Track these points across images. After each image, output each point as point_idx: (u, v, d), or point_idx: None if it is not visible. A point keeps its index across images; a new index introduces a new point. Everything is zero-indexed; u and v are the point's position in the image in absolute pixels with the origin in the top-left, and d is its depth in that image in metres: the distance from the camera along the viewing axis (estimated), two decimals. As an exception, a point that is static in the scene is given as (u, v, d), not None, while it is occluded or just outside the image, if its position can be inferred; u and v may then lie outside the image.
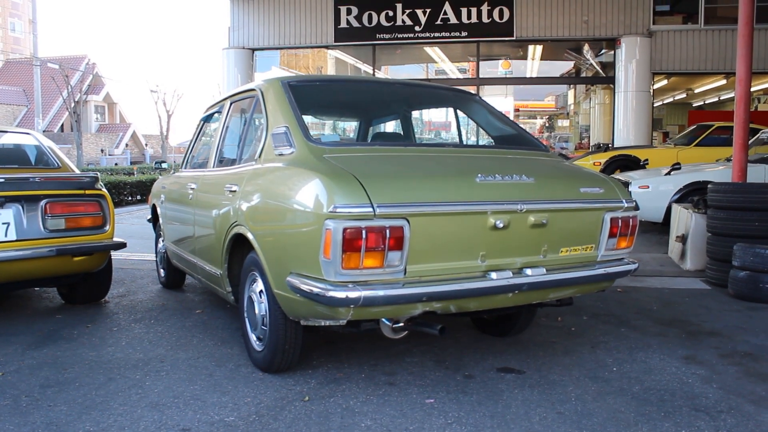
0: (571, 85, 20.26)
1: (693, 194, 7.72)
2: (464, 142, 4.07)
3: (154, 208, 5.76)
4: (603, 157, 11.63)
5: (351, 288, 2.62)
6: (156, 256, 5.87)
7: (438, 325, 2.91)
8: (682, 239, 6.52)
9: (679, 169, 8.13)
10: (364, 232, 2.58)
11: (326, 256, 2.61)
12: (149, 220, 6.06)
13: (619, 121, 13.57)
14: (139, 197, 16.28)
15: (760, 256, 4.90)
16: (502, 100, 24.55)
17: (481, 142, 4.31)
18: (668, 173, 8.13)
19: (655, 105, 15.34)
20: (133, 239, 8.54)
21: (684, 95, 19.53)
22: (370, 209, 2.60)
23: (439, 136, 17.54)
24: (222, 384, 3.22)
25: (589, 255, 3.23)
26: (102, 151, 34.34)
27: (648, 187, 8.14)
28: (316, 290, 2.67)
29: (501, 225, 2.86)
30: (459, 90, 4.39)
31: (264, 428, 2.69)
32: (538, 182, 3.06)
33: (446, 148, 3.42)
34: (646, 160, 10.56)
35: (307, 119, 4.46)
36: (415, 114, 5.23)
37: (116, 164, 30.58)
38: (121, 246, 4.50)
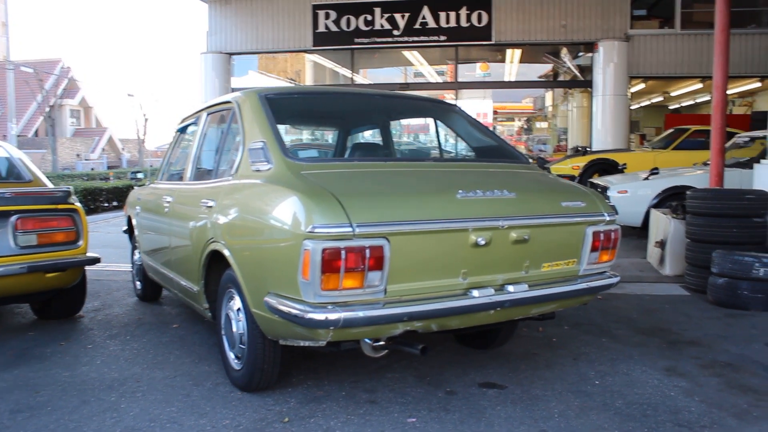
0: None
1: (671, 199, 7.77)
2: (444, 154, 4.03)
3: (129, 220, 5.66)
4: (582, 161, 11.69)
5: (330, 310, 2.57)
6: (132, 268, 5.76)
7: (419, 345, 2.86)
8: (661, 245, 6.54)
9: (658, 173, 8.19)
10: (343, 252, 2.52)
11: (305, 277, 2.56)
12: (125, 231, 5.95)
13: (597, 124, 13.65)
14: (115, 203, 16.05)
15: (739, 263, 4.92)
16: (480, 103, 24.57)
17: (460, 151, 4.26)
18: (647, 178, 8.18)
19: (632, 108, 15.47)
20: (109, 249, 8.39)
21: (661, 98, 19.73)
22: (350, 229, 2.55)
23: (417, 139, 17.53)
24: (200, 405, 3.14)
25: (572, 269, 3.20)
26: (78, 155, 33.75)
27: (627, 192, 8.19)
28: (294, 312, 2.61)
29: (483, 242, 2.82)
30: (439, 101, 4.35)
31: (242, 453, 2.63)
32: (519, 197, 3.03)
33: (426, 163, 3.37)
34: (624, 164, 10.63)
35: (285, 128, 4.38)
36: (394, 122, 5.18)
37: (92, 169, 30.14)
38: (95, 261, 4.40)
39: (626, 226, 8.51)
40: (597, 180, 9.19)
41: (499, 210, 2.91)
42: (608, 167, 11.19)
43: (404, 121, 16.42)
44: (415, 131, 17.60)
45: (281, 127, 3.38)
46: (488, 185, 3.02)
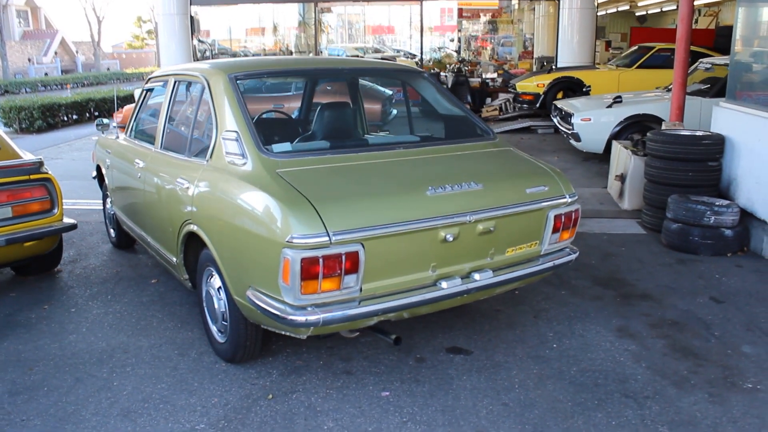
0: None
1: (633, 127, 8.06)
2: (413, 131, 4.12)
3: (99, 168, 5.66)
4: (546, 79, 11.73)
5: (310, 311, 2.75)
6: (104, 217, 5.82)
7: (393, 336, 3.09)
8: (621, 179, 6.79)
9: (621, 102, 8.35)
10: (321, 260, 2.68)
11: (285, 282, 2.72)
12: (94, 178, 5.96)
13: (565, 36, 13.56)
14: (75, 117, 15.78)
15: (692, 210, 5.19)
16: (445, 3, 23.89)
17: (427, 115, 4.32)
18: (610, 106, 8.35)
19: (598, 14, 15.32)
20: (76, 180, 8.35)
21: (627, 6, 19.55)
22: (326, 238, 2.69)
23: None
24: (187, 380, 3.36)
25: (534, 250, 3.41)
26: (29, 60, 32.37)
27: (590, 119, 8.38)
28: (275, 312, 2.79)
29: (451, 238, 3.00)
30: (408, 68, 4.37)
31: (233, 437, 2.88)
32: (486, 188, 3.18)
33: (397, 151, 3.46)
34: (589, 86, 10.73)
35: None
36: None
37: (46, 74, 29.09)
38: (72, 228, 4.48)
39: (589, 152, 8.80)
40: (561, 104, 9.32)
41: (467, 205, 3.07)
42: (573, 86, 11.28)
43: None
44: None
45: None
46: (456, 177, 3.16)
